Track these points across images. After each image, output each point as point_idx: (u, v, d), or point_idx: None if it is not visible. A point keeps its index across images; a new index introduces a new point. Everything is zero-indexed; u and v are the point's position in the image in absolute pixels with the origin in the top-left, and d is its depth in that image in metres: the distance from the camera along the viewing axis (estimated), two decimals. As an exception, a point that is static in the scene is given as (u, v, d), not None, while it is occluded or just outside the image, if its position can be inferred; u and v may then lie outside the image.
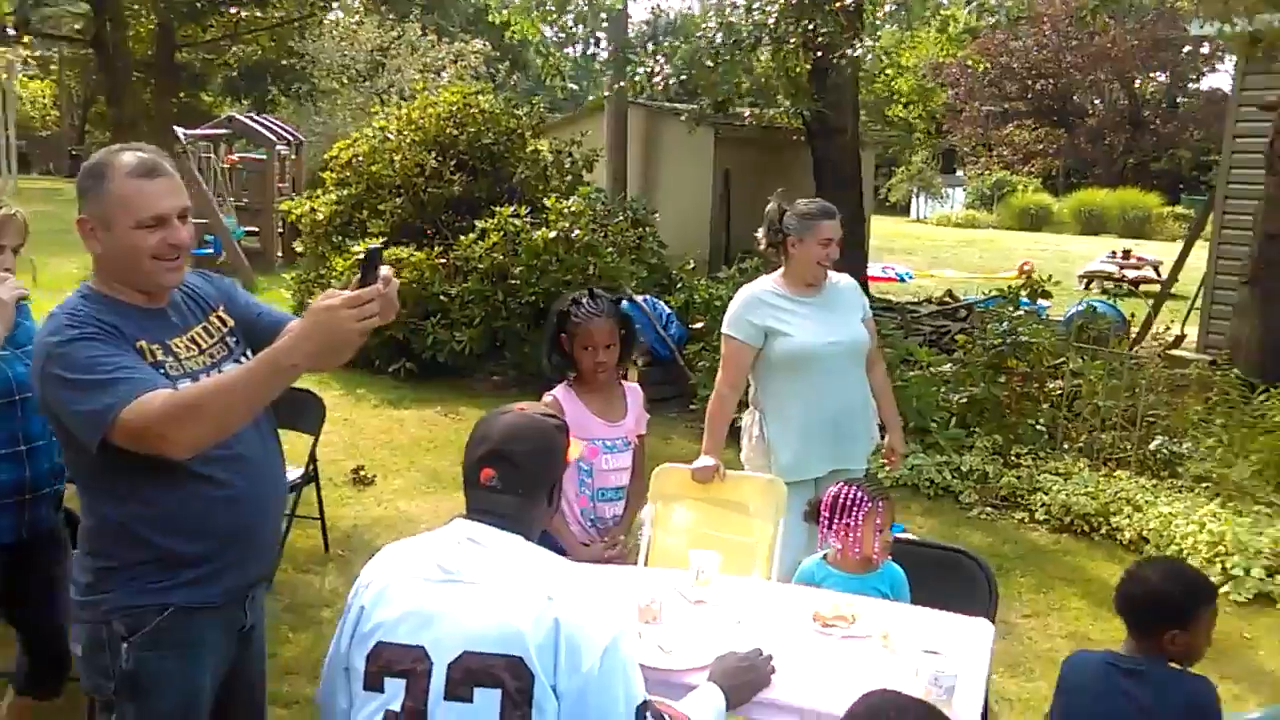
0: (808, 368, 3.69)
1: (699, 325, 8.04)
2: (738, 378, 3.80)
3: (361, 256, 2.10)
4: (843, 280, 3.88)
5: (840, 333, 3.74)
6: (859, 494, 3.01)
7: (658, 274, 9.31)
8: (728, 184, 12.48)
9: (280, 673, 3.79)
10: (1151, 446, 6.33)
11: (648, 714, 2.04)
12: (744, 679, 2.38)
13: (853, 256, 10.28)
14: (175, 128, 13.99)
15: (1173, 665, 2.44)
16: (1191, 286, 10.66)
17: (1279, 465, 5.73)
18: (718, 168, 12.60)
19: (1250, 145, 8.92)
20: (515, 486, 2.11)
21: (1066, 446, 6.53)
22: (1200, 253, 10.47)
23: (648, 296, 8.24)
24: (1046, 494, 5.88)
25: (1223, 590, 4.92)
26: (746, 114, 11.92)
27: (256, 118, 16.07)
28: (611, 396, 3.42)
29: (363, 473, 5.91)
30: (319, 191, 9.70)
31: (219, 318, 2.38)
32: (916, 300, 12.72)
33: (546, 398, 3.31)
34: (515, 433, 2.14)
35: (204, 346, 2.31)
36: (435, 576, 2.04)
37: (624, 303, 8.07)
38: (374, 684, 2.03)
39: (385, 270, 2.06)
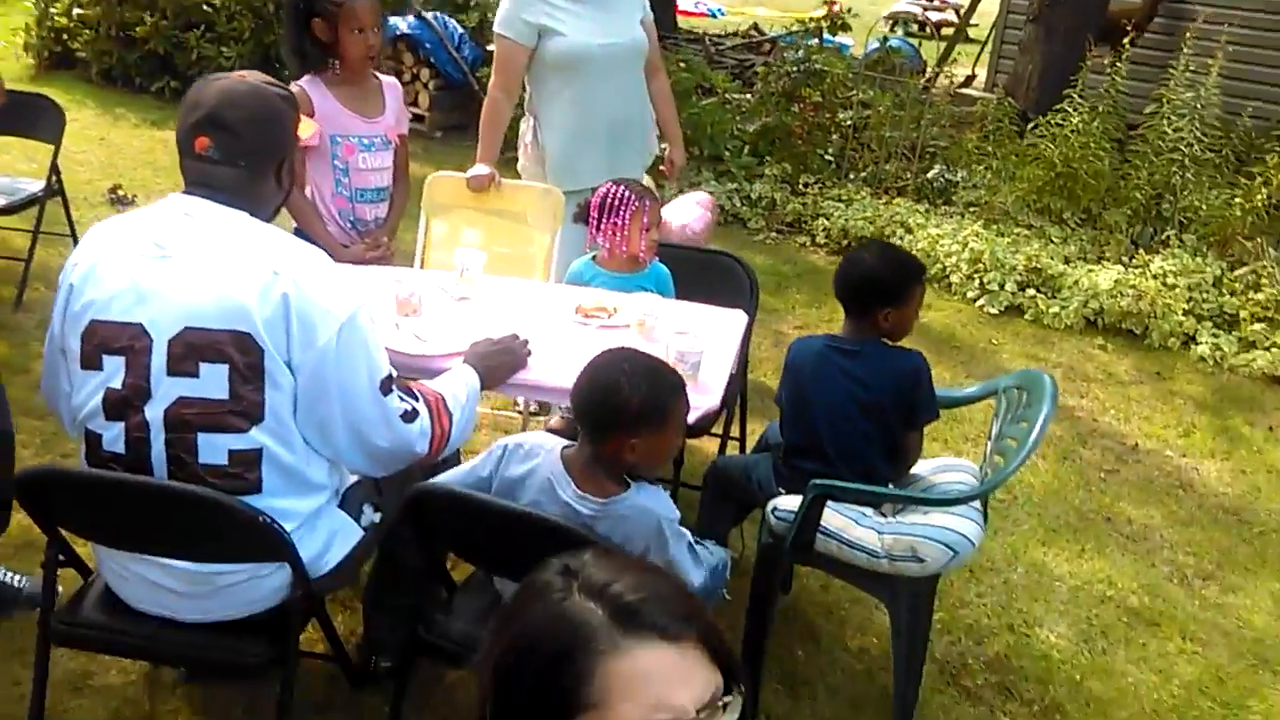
0: (582, 70, 3.55)
1: (494, 47, 7.65)
2: (511, 80, 3.63)
3: None
4: (623, -23, 3.69)
5: (617, 34, 3.58)
6: (626, 193, 2.98)
7: (450, -9, 8.71)
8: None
9: (32, 387, 3.62)
10: (929, 175, 6.59)
11: (393, 387, 2.03)
12: (499, 360, 2.40)
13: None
14: None
15: (885, 342, 2.60)
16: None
17: (1041, 192, 6.08)
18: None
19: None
20: (234, 158, 1.96)
21: (852, 176, 6.71)
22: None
23: (438, 14, 7.72)
24: (828, 219, 6.08)
25: (978, 303, 5.30)
26: None
27: None
28: (366, 90, 3.19)
29: (120, 192, 5.50)
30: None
31: None
32: (723, 34, 12.50)
33: (292, 88, 3.06)
34: (232, 99, 1.97)
35: None
36: (150, 253, 1.91)
37: (412, 20, 7.52)
38: (91, 363, 1.93)
39: None
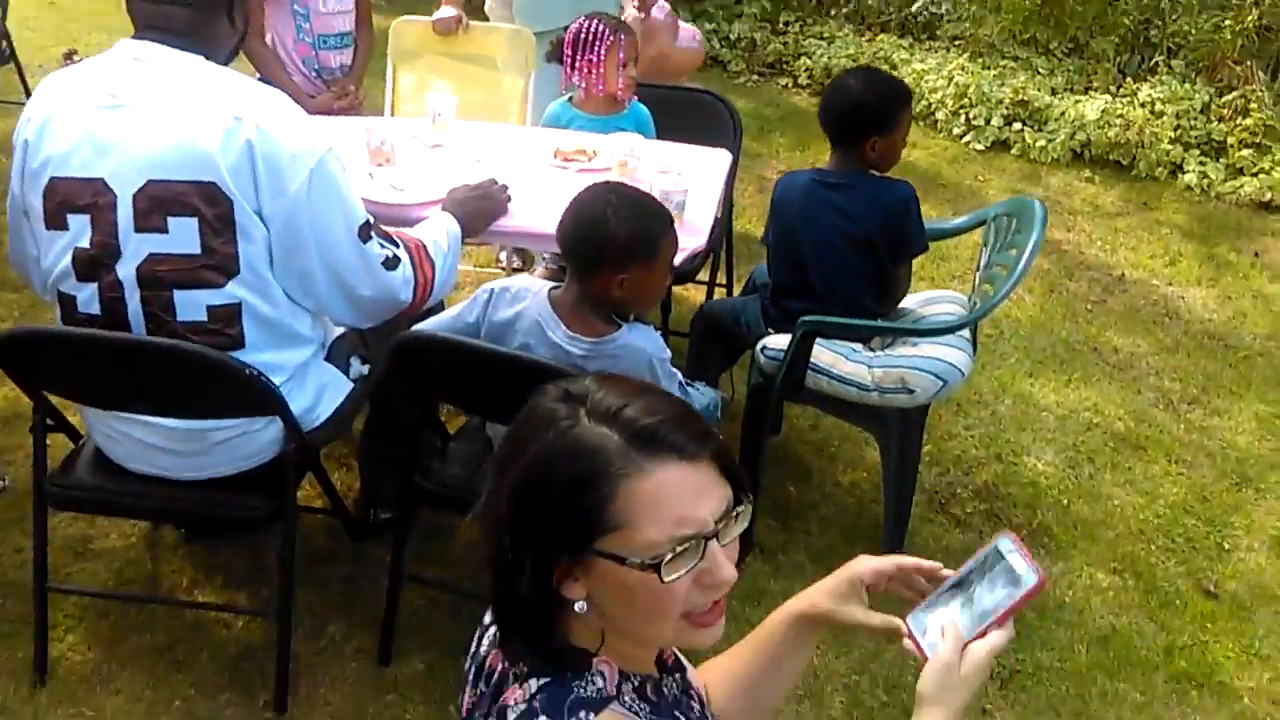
0: None
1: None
2: None
3: None
4: None
5: None
6: (600, 27, 2.86)
7: None
8: None
9: (5, 260, 3.54)
10: (913, 8, 6.37)
11: (372, 234, 1.98)
12: (478, 207, 2.34)
13: None
14: None
15: (873, 174, 2.53)
16: None
17: (1027, 22, 5.89)
18: None
19: None
20: None
21: (833, 12, 6.48)
22: None
23: None
24: (810, 58, 5.90)
25: (964, 140, 5.21)
26: None
27: None
28: None
29: (77, 57, 5.27)
30: None
31: None
32: None
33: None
34: None
35: None
36: (105, 103, 1.82)
37: None
38: (56, 222, 1.86)
39: None
